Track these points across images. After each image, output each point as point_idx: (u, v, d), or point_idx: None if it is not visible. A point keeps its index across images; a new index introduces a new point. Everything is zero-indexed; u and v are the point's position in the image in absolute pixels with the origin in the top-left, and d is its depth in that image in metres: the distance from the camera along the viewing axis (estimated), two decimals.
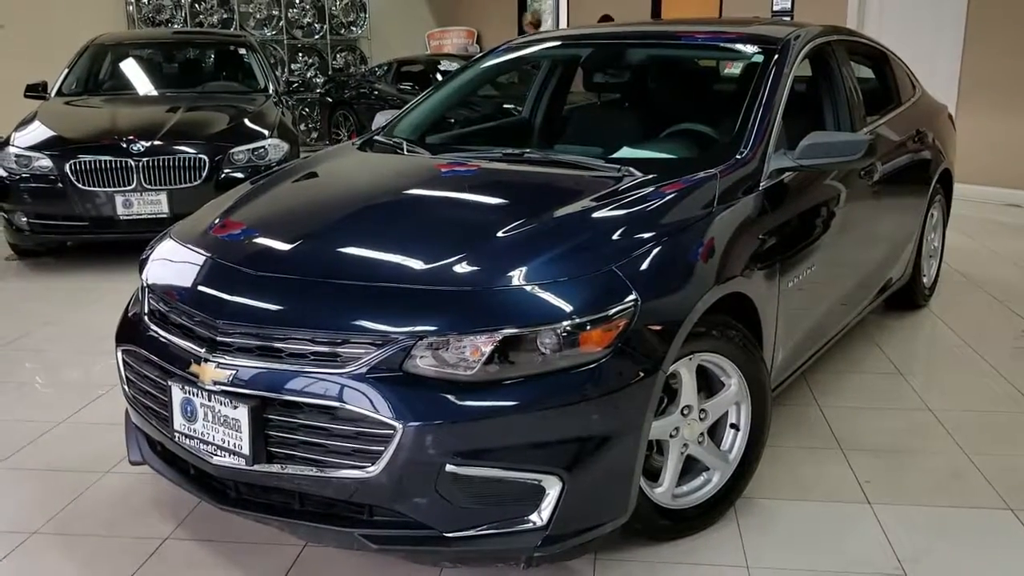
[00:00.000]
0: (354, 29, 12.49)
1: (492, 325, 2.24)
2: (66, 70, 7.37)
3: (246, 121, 6.55)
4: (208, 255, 2.67)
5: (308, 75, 12.27)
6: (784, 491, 3.02)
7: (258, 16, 11.91)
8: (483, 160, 3.25)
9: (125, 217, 5.88)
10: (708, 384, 2.78)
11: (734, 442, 2.82)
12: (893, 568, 2.60)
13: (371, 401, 2.20)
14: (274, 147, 6.32)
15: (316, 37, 12.34)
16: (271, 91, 7.46)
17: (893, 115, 4.41)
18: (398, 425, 2.17)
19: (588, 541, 2.38)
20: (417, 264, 2.44)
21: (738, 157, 3.02)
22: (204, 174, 5.96)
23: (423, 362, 2.23)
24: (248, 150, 6.18)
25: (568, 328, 2.26)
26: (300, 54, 12.33)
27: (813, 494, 3.01)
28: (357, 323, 2.29)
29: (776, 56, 3.45)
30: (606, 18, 11.01)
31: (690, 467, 2.77)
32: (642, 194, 2.78)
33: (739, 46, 3.71)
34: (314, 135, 12.00)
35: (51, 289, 5.65)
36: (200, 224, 2.92)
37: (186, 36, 8.70)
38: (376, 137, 3.76)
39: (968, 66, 8.06)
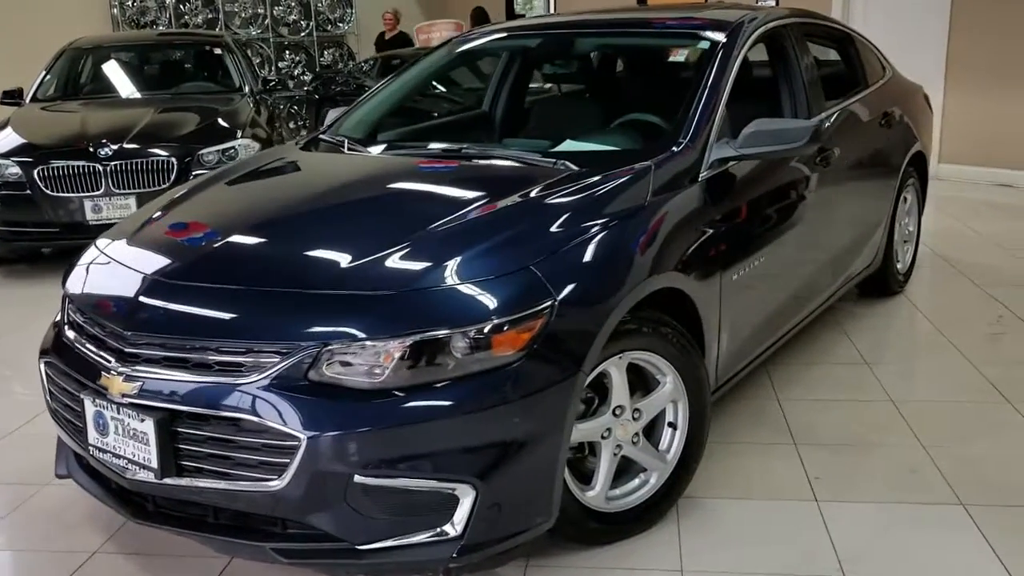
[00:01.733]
0: (340, 25, 12.42)
1: (400, 330, 2.17)
2: (42, 75, 7.33)
3: (218, 121, 6.49)
4: (123, 263, 2.61)
5: (296, 72, 12.21)
6: (730, 489, 2.94)
7: (243, 15, 11.86)
8: (420, 157, 3.18)
9: (95, 222, 5.83)
10: (645, 382, 2.71)
11: (672, 441, 2.74)
12: (833, 570, 2.52)
13: (275, 412, 2.14)
14: (245, 147, 6.25)
15: (302, 34, 12.27)
16: (247, 90, 7.39)
17: (857, 98, 4.31)
18: (302, 436, 2.11)
19: (509, 549, 2.31)
20: (327, 268, 2.38)
21: (674, 148, 2.93)
22: (173, 176, 5.90)
23: (329, 370, 2.16)
24: (218, 151, 6.13)
25: (480, 331, 2.19)
26: (287, 52, 12.27)
27: (759, 492, 2.93)
28: (261, 331, 2.23)
29: (723, 42, 3.36)
30: (479, 12, 10.86)
31: (627, 468, 2.70)
32: (571, 189, 2.71)
33: (688, 32, 3.61)
34: (303, 132, 11.95)
35: (19, 297, 5.62)
36: (122, 231, 2.87)
37: (162, 38, 8.65)
38: (321, 136, 3.69)
39: (955, 46, 7.92)
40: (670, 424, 2.75)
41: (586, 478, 2.58)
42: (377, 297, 2.25)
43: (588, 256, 2.45)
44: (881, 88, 4.62)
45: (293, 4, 12.16)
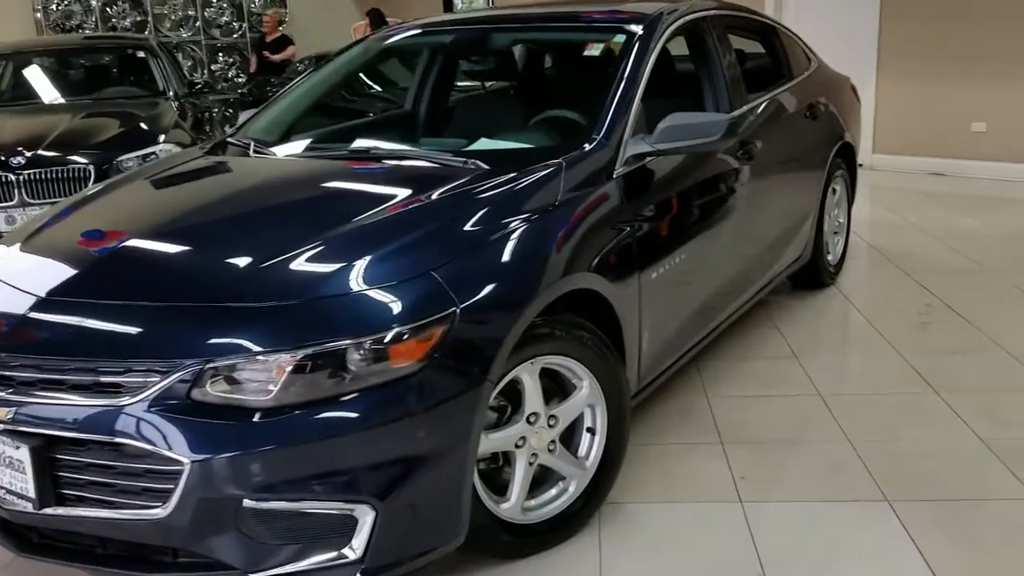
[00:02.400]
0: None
1: (289, 343, 2.05)
2: None
3: (139, 126, 6.29)
4: (1, 279, 2.46)
5: (230, 75, 11.96)
6: (654, 493, 2.87)
7: (173, 17, 11.59)
8: (326, 159, 3.06)
9: None
10: (563, 387, 2.62)
11: (591, 447, 2.66)
12: (754, 573, 2.46)
13: (157, 435, 2.01)
14: (167, 153, 6.05)
15: (235, 36, 12.03)
16: (171, 94, 7.18)
17: (781, 90, 4.27)
18: (185, 460, 1.98)
19: (417, 569, 2.21)
20: (213, 280, 2.25)
21: (586, 146, 2.85)
22: (91, 184, 5.69)
23: (214, 388, 2.04)
24: (138, 157, 5.92)
25: (377, 341, 2.08)
26: (220, 54, 12.01)
27: (684, 495, 2.86)
28: (140, 349, 2.09)
29: (638, 35, 3.29)
30: (375, 12, 10.72)
31: (545, 477, 2.61)
32: (478, 190, 2.61)
33: (604, 26, 3.53)
34: None
35: None
36: (6, 244, 2.71)
37: (83, 42, 8.39)
38: (228, 139, 3.55)
39: (886, 36, 7.97)
40: (589, 429, 2.66)
41: (501, 489, 2.48)
42: (264, 308, 2.13)
43: (494, 259, 2.36)
44: (806, 80, 4.59)
45: (225, 6, 11.91)
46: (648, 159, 2.99)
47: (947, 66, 7.63)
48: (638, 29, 3.32)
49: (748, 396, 3.56)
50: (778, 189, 4.00)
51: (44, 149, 5.72)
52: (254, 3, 12.12)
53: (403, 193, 2.61)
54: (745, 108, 3.77)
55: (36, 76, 7.45)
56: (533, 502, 2.55)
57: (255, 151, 3.28)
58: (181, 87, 7.42)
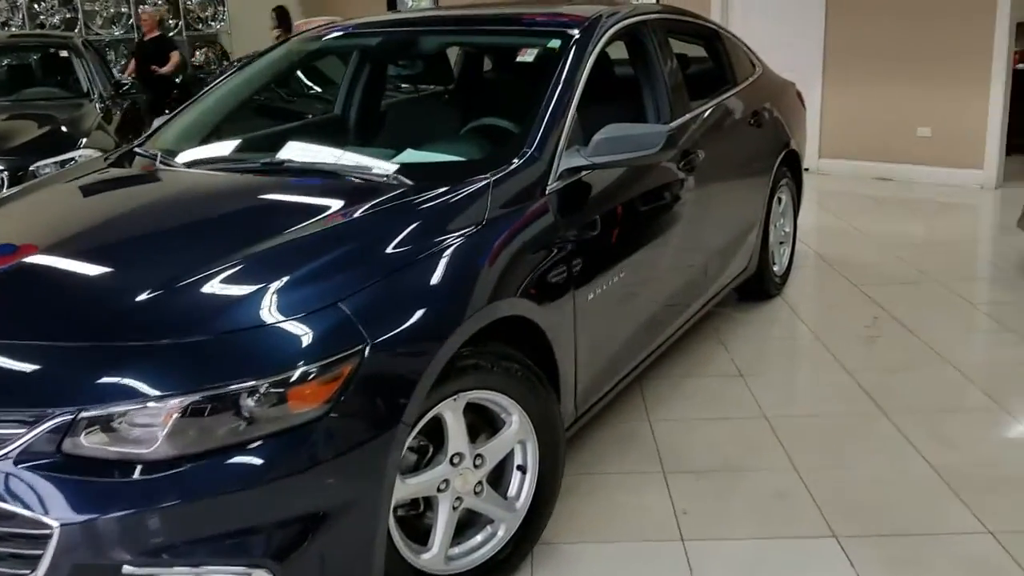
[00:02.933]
0: (212, 24, 11.82)
1: (173, 388, 1.83)
2: None
3: (59, 130, 5.96)
4: None
5: None
6: (591, 531, 2.69)
7: (104, 15, 11.16)
8: (236, 173, 2.82)
9: None
10: (492, 422, 2.43)
11: (522, 487, 2.47)
12: None
13: (24, 494, 1.78)
14: (86, 158, 5.73)
15: (171, 34, 11.62)
16: (96, 96, 6.85)
17: (725, 97, 4.13)
18: (54, 524, 1.75)
19: None
20: (93, 315, 2.02)
21: (516, 161, 2.66)
22: (3, 191, 5.37)
23: (89, 440, 1.81)
24: (56, 163, 5.60)
25: (275, 384, 1.87)
26: None
27: (622, 532, 2.68)
28: (6, 396, 1.85)
29: (574, 40, 3.11)
30: (281, 10, 10.43)
31: (472, 521, 2.41)
32: (398, 209, 2.41)
33: (538, 30, 3.35)
34: None
35: None
36: None
37: (4, 40, 7.98)
38: (136, 148, 3.29)
39: (832, 39, 7.91)
40: (519, 467, 2.47)
41: (422, 537, 2.28)
42: (147, 347, 1.90)
43: (412, 287, 2.16)
44: (751, 86, 4.46)
45: (160, 2, 11.50)
46: (584, 173, 2.82)
47: (892, 70, 7.59)
48: (574, 33, 3.15)
49: (692, 419, 3.40)
50: (722, 199, 3.85)
51: None
52: (191, 1, 11.73)
53: (315, 213, 2.40)
54: (687, 116, 3.61)
55: None
56: (457, 549, 2.35)
57: (161, 163, 3.04)
58: (107, 88, 7.08)
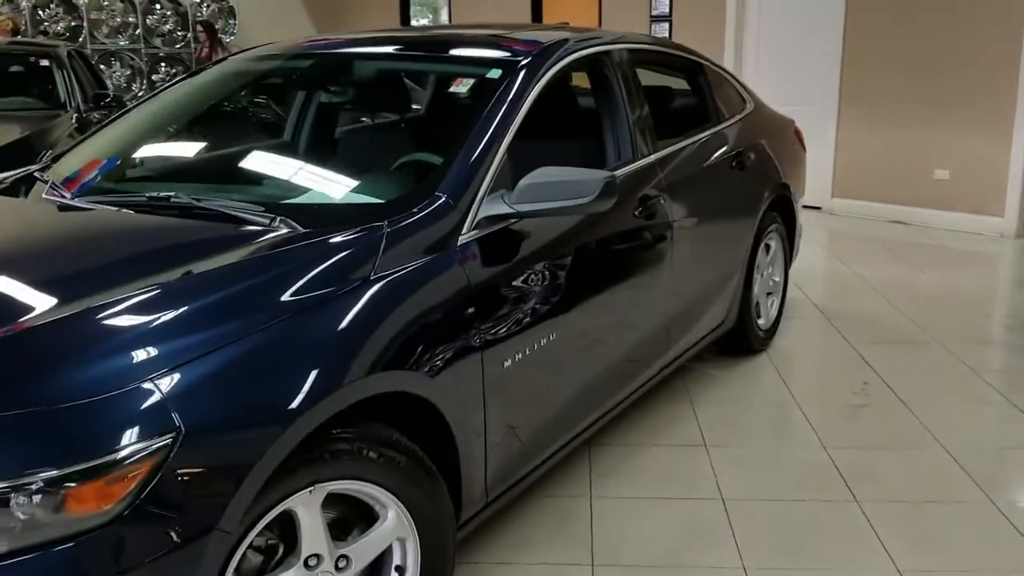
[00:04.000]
0: (222, 37, 11.62)
1: None
2: None
3: (29, 141, 5.71)
4: None
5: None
6: None
7: (111, 24, 11.00)
8: (113, 206, 2.49)
9: None
10: (367, 513, 2.07)
11: None
12: None
13: None
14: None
15: (179, 46, 11.46)
16: (72, 107, 6.62)
17: (704, 136, 3.76)
18: None
19: None
20: None
21: (417, 208, 2.31)
22: None
23: None
24: (15, 175, 5.33)
25: (49, 483, 1.52)
26: (163, 64, 11.42)
27: None
28: None
29: (514, 72, 2.76)
30: (208, 25, 10.05)
31: None
32: (266, 260, 2.07)
33: (478, 58, 3.00)
34: None
35: None
36: None
37: None
38: (36, 173, 2.99)
39: (847, 77, 7.51)
40: (398, 568, 2.11)
41: None
42: None
43: (255, 359, 1.80)
44: (738, 124, 4.09)
45: (169, 13, 11.34)
46: (509, 222, 2.46)
47: (911, 108, 7.18)
48: (516, 63, 2.81)
49: (640, 498, 3.02)
50: (692, 248, 3.48)
51: None
52: (200, 12, 11.56)
53: (165, 264, 2.05)
54: (653, 157, 3.26)
55: None
56: None
57: (48, 192, 2.72)
58: (87, 100, 6.85)
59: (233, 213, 2.33)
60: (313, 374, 1.86)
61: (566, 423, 2.81)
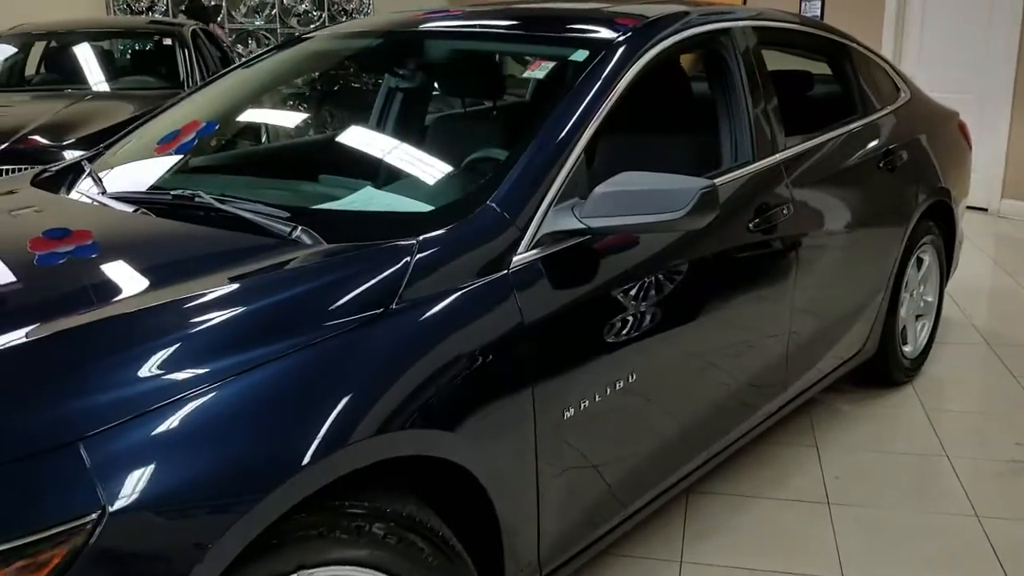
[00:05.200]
0: (357, 16, 11.50)
1: None
2: None
3: (134, 120, 5.62)
4: None
5: None
6: None
7: (249, 3, 11.05)
8: (136, 205, 2.18)
9: None
10: None
11: None
12: None
13: None
14: None
15: (314, 26, 11.41)
16: (190, 87, 6.53)
17: (845, 131, 3.18)
18: None
19: None
20: None
21: (461, 222, 1.88)
22: None
23: None
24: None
25: None
26: None
27: None
28: None
29: (593, 56, 2.30)
30: (195, 9, 9.26)
31: None
32: (259, 283, 1.69)
33: (561, 37, 2.53)
34: None
35: None
36: None
37: (113, 26, 7.84)
38: (84, 162, 2.73)
39: None
40: None
41: None
42: None
43: (227, 410, 1.43)
44: (889, 116, 3.47)
45: None
46: (580, 238, 2.02)
47: None
48: (603, 45, 2.34)
49: (740, 568, 2.52)
50: (823, 267, 2.93)
51: (13, 143, 5.11)
52: None
53: (153, 283, 1.71)
54: (778, 157, 2.73)
55: (54, 61, 6.99)
56: None
57: (79, 189, 2.45)
58: (203, 79, 6.77)
59: (253, 220, 1.97)
60: (299, 434, 1.47)
61: (648, 479, 2.35)
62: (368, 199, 2.22)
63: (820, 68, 3.49)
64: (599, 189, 1.97)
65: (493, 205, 1.93)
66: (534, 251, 1.94)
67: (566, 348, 1.96)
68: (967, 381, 3.86)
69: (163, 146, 2.55)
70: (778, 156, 2.73)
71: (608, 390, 2.07)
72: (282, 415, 1.48)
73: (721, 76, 2.70)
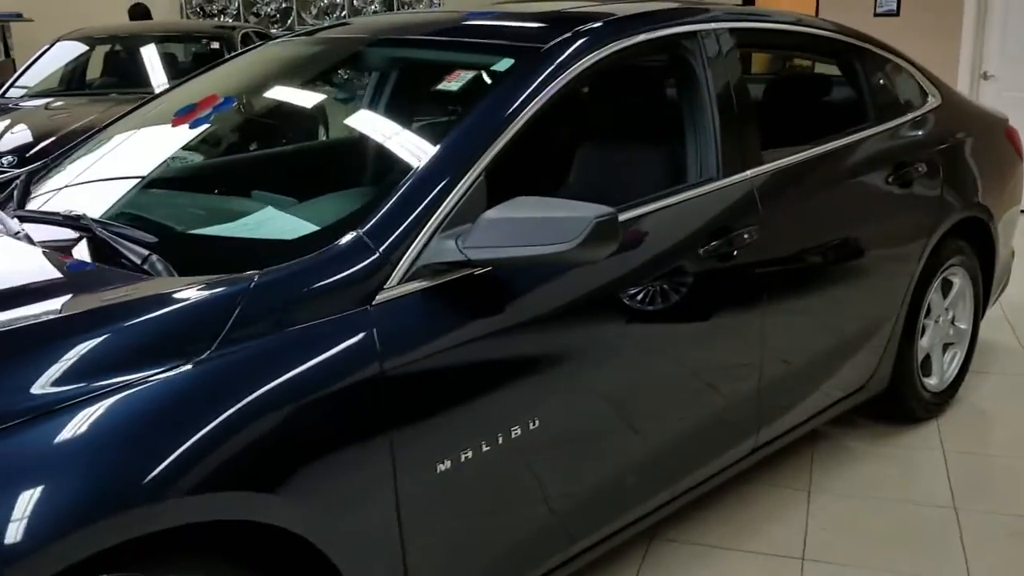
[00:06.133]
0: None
1: None
2: (26, 68, 6.79)
3: None
4: None
5: None
6: None
7: (320, 4, 11.10)
8: (34, 224, 2.08)
9: None
10: None
11: None
12: None
13: None
14: None
15: None
16: None
17: (843, 142, 2.86)
18: None
19: None
20: None
21: (315, 253, 1.70)
22: None
23: None
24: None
25: None
26: None
27: None
28: None
29: (513, 67, 2.09)
30: (138, 8, 8.90)
31: None
32: (63, 323, 1.55)
33: (485, 44, 2.31)
34: None
35: None
36: None
37: (164, 30, 7.92)
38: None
39: None
40: None
41: None
42: None
43: None
44: (907, 125, 3.13)
45: None
46: (466, 270, 1.81)
47: None
48: (526, 54, 2.12)
49: None
50: (803, 296, 2.64)
51: (45, 146, 5.19)
52: None
53: None
54: (745, 175, 2.45)
55: (117, 63, 7.13)
56: None
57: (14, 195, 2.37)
58: None
59: (116, 246, 1.84)
60: (63, 496, 1.32)
61: (561, 537, 2.12)
62: (259, 223, 2.06)
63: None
64: (486, 215, 1.77)
65: (360, 234, 1.74)
66: (409, 285, 1.75)
67: (439, 393, 1.76)
68: (1002, 419, 3.46)
69: (180, 118, 2.45)
70: (748, 173, 2.45)
71: (500, 439, 1.86)
72: (49, 475, 1.33)
73: (685, 85, 2.45)
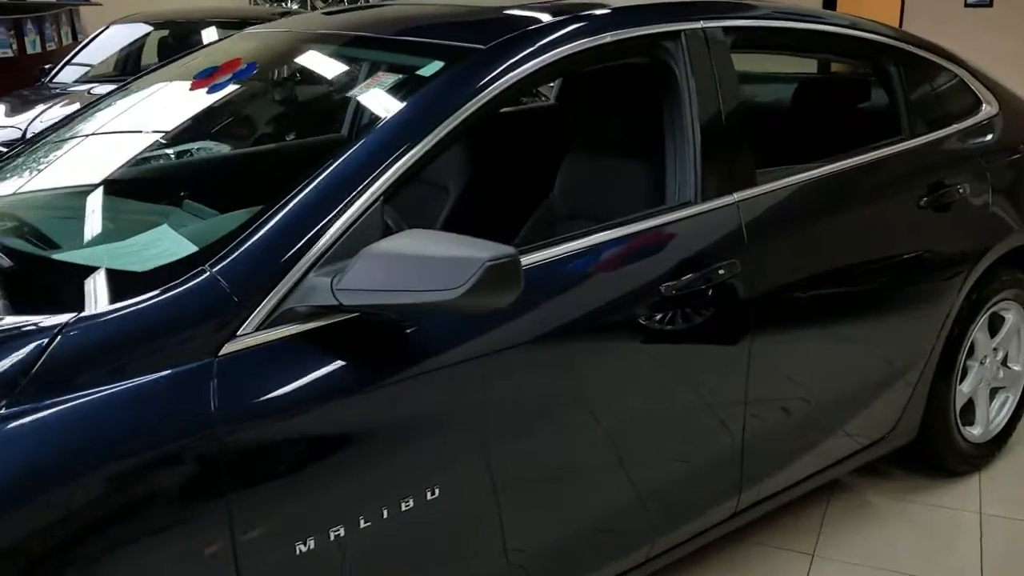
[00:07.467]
0: None
1: None
2: (75, 53, 6.81)
3: None
4: None
5: None
6: None
7: None
8: None
9: None
10: None
11: None
12: None
13: None
14: None
15: None
16: None
17: (866, 159, 2.47)
18: None
19: None
20: None
21: (161, 291, 1.45)
22: None
23: None
24: None
25: None
26: None
27: None
28: None
29: (440, 71, 1.80)
30: None
31: None
32: None
33: (423, 46, 2.01)
34: None
35: None
36: None
37: (216, 15, 7.83)
38: None
39: None
40: None
41: None
42: None
43: None
44: (950, 139, 2.71)
45: None
46: (338, 316, 1.53)
47: None
48: (457, 55, 1.83)
49: None
50: (802, 336, 2.29)
51: None
52: None
53: None
54: (729, 199, 2.10)
55: (171, 49, 7.07)
56: None
57: None
58: None
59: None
60: None
61: None
62: (145, 245, 1.82)
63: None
64: (367, 250, 1.49)
65: (210, 270, 1.48)
66: (269, 332, 1.48)
67: (298, 461, 1.49)
68: None
69: (200, 81, 2.28)
70: (734, 196, 2.11)
71: (385, 513, 1.58)
72: None
73: (661, 93, 2.12)
